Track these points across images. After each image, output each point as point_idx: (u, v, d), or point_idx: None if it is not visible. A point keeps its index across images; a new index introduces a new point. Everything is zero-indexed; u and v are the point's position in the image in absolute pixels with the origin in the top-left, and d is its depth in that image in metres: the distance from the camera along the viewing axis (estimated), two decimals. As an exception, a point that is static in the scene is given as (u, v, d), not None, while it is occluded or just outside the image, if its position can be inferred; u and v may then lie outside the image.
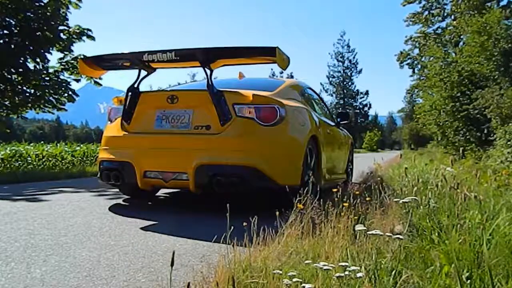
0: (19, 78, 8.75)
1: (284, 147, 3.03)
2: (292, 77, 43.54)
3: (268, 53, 2.85)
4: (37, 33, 8.64)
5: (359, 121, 57.56)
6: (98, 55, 3.29)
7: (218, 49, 2.97)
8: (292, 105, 3.23)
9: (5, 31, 8.52)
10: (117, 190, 3.96)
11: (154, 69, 3.27)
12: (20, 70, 8.65)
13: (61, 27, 9.22)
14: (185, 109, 3.03)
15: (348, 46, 57.45)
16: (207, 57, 2.96)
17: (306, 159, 3.23)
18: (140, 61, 3.07)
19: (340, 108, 52.57)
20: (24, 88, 8.99)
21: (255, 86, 3.41)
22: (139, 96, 3.19)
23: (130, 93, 3.16)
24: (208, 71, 2.96)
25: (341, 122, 5.08)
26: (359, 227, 1.52)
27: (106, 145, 3.28)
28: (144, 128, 3.13)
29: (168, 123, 3.06)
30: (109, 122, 3.41)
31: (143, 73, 3.23)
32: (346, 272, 1.21)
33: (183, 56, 2.99)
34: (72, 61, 9.39)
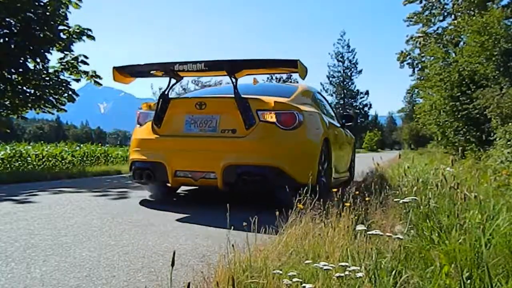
0: (19, 78, 8.74)
1: (302, 149, 3.28)
2: (291, 77, 43.36)
3: (290, 65, 3.20)
4: (37, 33, 8.64)
5: (359, 121, 57.50)
6: (132, 65, 3.55)
7: (245, 61, 3.24)
8: (307, 110, 3.45)
9: (5, 31, 8.52)
10: (118, 190, 3.98)
11: (182, 77, 3.62)
12: (20, 70, 8.65)
13: (61, 27, 9.21)
14: (212, 114, 3.28)
15: (348, 46, 57.32)
16: (234, 67, 3.23)
17: (320, 159, 3.47)
18: (171, 70, 3.32)
19: (340, 108, 52.55)
20: (24, 88, 8.97)
21: (271, 92, 3.69)
22: (169, 102, 3.44)
23: (161, 100, 3.42)
24: (234, 80, 3.22)
25: (346, 124, 5.34)
26: (359, 227, 1.52)
27: (137, 146, 3.50)
28: (174, 131, 3.37)
29: (196, 127, 3.30)
30: (138, 125, 3.64)
31: (172, 81, 3.52)
32: (346, 272, 1.21)
33: (211, 67, 3.26)
34: (72, 61, 9.39)
